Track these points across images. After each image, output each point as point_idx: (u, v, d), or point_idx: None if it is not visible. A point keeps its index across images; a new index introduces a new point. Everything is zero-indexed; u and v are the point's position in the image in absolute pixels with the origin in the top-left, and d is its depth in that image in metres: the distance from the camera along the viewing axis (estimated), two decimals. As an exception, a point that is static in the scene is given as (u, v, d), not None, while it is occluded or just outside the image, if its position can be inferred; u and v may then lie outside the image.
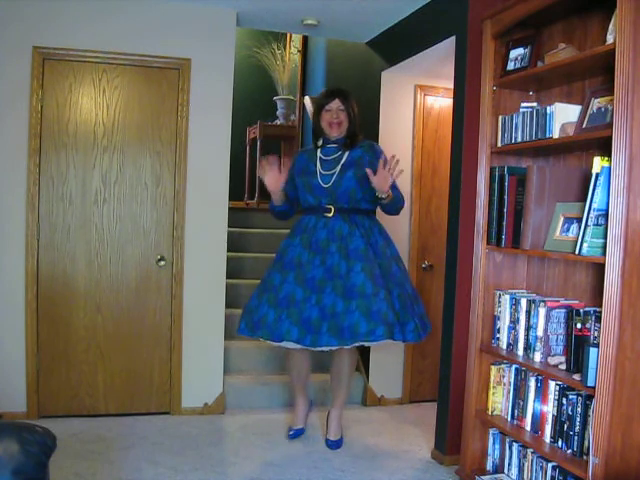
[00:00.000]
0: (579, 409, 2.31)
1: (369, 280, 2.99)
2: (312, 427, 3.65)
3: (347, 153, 3.23)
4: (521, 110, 2.67)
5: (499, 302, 2.81)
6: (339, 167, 3.19)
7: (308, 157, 3.34)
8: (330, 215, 3.17)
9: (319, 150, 3.31)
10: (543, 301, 2.54)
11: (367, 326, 2.91)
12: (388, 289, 3.05)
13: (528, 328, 2.62)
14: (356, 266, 3.03)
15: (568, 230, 2.39)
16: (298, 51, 6.18)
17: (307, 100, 5.39)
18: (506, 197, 2.67)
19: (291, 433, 3.51)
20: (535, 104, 2.72)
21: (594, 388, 2.14)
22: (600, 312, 2.14)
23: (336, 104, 3.22)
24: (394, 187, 3.10)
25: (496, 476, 2.81)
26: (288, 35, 6.02)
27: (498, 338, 2.81)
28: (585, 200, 2.21)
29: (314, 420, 3.73)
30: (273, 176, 3.16)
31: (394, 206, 3.18)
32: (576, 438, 2.32)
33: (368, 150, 3.24)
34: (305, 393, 3.54)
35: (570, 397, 2.36)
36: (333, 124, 3.22)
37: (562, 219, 2.44)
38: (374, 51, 4.27)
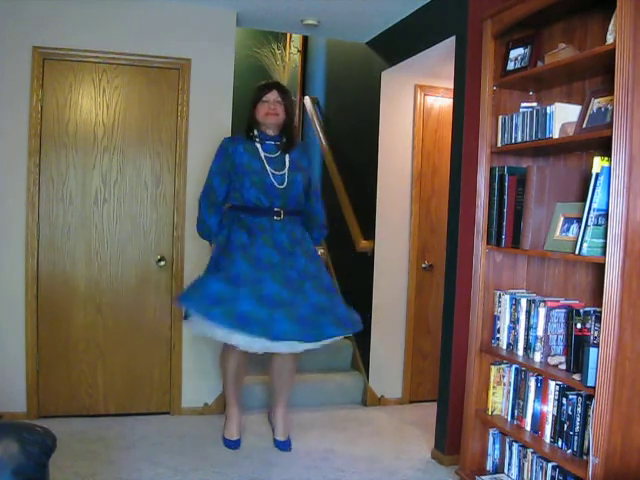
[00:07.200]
0: (579, 409, 2.31)
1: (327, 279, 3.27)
2: (312, 427, 3.65)
3: (287, 155, 3.19)
4: (521, 110, 2.67)
5: (499, 302, 2.81)
6: (286, 169, 3.16)
7: (246, 151, 3.16)
8: (280, 218, 3.12)
9: (259, 146, 3.17)
10: (543, 301, 2.55)
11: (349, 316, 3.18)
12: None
13: (528, 328, 2.62)
14: (319, 268, 3.23)
15: (568, 230, 2.39)
16: (298, 51, 6.17)
17: (307, 100, 5.39)
18: (506, 197, 2.67)
19: (234, 440, 3.35)
20: (535, 104, 2.72)
21: (594, 388, 2.14)
22: (600, 312, 2.14)
23: (273, 95, 3.14)
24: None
25: (496, 476, 2.81)
26: (288, 35, 6.01)
27: (498, 338, 2.81)
28: (585, 200, 2.22)
29: (314, 420, 3.73)
30: None
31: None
32: (576, 438, 2.32)
33: (303, 153, 3.30)
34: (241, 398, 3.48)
35: (570, 397, 2.36)
36: (270, 114, 3.11)
37: (562, 219, 2.44)
38: (374, 51, 4.27)
